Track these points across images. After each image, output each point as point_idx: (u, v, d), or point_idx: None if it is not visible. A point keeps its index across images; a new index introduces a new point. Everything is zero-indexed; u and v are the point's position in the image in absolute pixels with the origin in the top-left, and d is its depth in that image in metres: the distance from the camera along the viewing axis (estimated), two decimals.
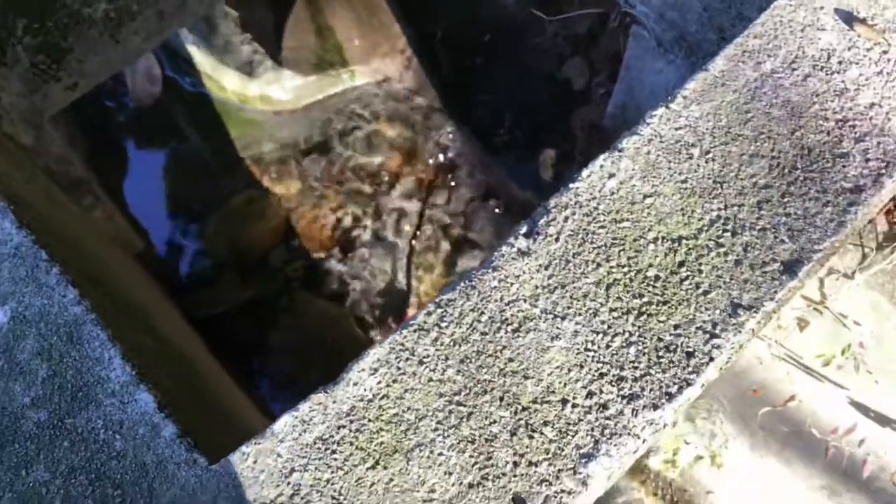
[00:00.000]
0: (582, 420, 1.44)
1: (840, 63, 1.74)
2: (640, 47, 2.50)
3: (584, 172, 1.67)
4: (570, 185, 1.66)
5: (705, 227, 1.59)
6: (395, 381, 1.49)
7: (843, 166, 1.62)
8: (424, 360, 1.51)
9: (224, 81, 4.41)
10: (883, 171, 1.61)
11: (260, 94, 4.37)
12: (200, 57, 4.41)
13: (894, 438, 2.22)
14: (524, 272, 1.57)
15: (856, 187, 1.60)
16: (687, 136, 1.68)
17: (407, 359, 1.51)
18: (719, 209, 1.60)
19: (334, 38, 4.41)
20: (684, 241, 1.58)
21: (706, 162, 1.65)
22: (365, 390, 1.49)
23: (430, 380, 1.49)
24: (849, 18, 1.78)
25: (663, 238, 1.59)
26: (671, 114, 1.71)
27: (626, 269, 1.56)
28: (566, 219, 1.62)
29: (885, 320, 2.10)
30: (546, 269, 1.58)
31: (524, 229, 1.63)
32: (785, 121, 1.68)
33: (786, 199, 1.60)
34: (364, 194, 4.43)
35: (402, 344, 1.52)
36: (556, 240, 1.60)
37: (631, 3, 2.32)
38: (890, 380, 2.16)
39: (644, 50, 2.46)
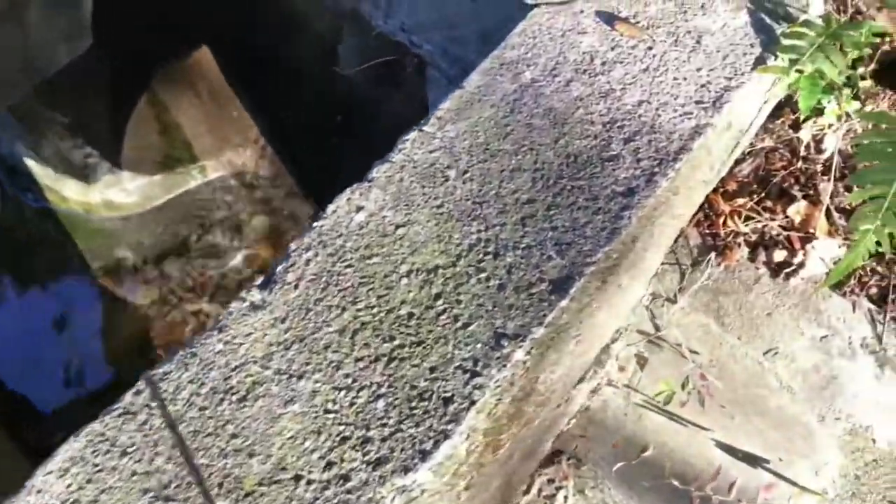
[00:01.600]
0: (318, 499, 1.17)
1: (604, 64, 1.60)
2: (435, 88, 2.38)
3: (330, 208, 1.46)
4: (315, 224, 1.44)
5: (464, 253, 1.38)
6: (89, 482, 1.20)
7: (614, 169, 1.45)
8: (129, 450, 1.22)
9: (64, 192, 4.14)
10: (656, 169, 1.44)
11: (102, 199, 4.11)
12: (38, 169, 4.15)
13: (767, 479, 1.99)
14: (256, 329, 1.32)
15: (628, 190, 1.42)
16: (442, 157, 1.49)
17: (107, 451, 1.22)
18: (479, 231, 1.40)
19: (182, 134, 4.22)
20: (441, 271, 1.36)
21: (464, 183, 1.46)
22: (51, 498, 1.19)
23: (135, 473, 1.20)
24: (610, 19, 1.65)
25: (417, 270, 1.37)
26: (424, 136, 1.52)
27: (375, 311, 1.33)
28: (308, 262, 1.39)
29: (719, 346, 1.90)
30: (283, 322, 1.33)
31: (260, 280, 1.39)
32: (548, 130, 1.51)
33: (552, 212, 1.41)
34: (228, 291, 4.14)
35: (103, 434, 1.24)
36: (296, 287, 1.36)
37: (416, 43, 2.21)
38: (743, 411, 1.94)
39: (438, 89, 2.34)
